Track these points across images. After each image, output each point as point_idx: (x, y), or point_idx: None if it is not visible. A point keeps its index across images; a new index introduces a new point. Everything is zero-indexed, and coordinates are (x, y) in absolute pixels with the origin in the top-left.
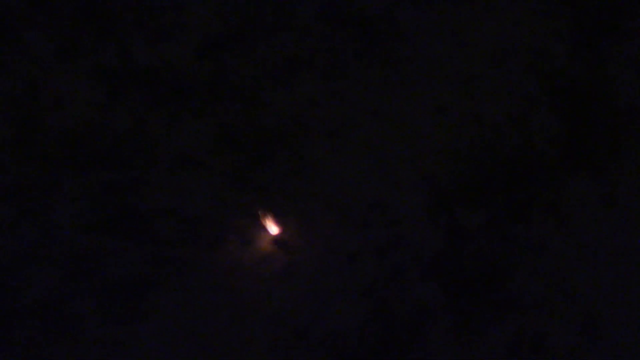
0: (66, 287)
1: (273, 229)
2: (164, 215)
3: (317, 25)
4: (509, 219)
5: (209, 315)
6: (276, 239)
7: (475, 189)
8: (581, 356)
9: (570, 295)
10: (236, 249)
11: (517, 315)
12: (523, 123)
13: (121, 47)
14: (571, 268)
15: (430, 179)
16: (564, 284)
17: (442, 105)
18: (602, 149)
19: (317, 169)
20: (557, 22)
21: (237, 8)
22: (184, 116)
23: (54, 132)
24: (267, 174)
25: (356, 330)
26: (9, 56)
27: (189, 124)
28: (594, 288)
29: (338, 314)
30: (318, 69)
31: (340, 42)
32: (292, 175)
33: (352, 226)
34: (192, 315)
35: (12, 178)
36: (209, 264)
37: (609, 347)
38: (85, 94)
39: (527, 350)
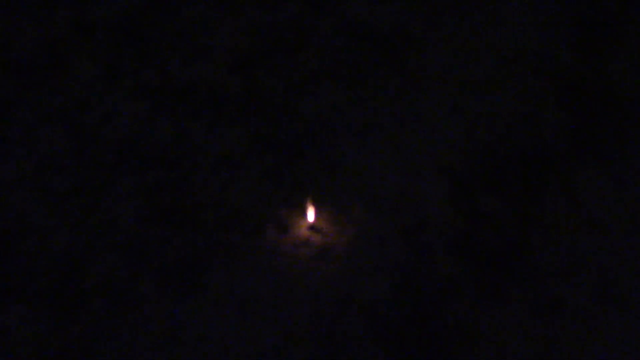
0: (128, 269)
1: (309, 216)
2: (210, 207)
3: (337, 41)
4: (525, 203)
5: (255, 292)
6: (311, 226)
7: (491, 177)
8: (596, 315)
9: (584, 265)
10: (276, 234)
11: (536, 283)
12: (533, 119)
13: (160, 68)
14: (584, 242)
15: (450, 170)
16: (578, 256)
17: (456, 105)
18: (607, 139)
19: (344, 165)
20: (561, 29)
21: (263, 29)
22: (221, 125)
23: (108, 141)
24: (299, 171)
25: (389, 300)
26: (61, 79)
27: (226, 131)
28: (605, 258)
29: (372, 287)
30: (340, 80)
31: (359, 55)
32: (322, 171)
33: (381, 213)
34: (240, 292)
35: (76, 179)
36: (253, 248)
37: (621, 306)
38: (131, 109)
39: (547, 311)
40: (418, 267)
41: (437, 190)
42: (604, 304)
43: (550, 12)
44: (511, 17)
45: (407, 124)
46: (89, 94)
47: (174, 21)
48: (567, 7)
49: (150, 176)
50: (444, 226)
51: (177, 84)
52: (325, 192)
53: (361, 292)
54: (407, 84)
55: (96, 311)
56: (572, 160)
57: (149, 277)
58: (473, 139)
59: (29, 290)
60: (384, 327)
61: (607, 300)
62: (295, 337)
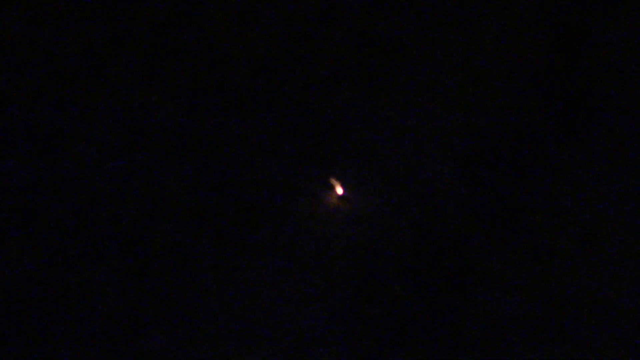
0: (187, 232)
1: (338, 189)
2: (248, 183)
3: (347, 47)
4: (517, 175)
5: (297, 249)
6: (340, 197)
7: (488, 154)
8: (579, 258)
9: (568, 220)
10: (309, 204)
11: (529, 234)
12: (520, 108)
13: (192, 71)
14: (567, 203)
15: (452, 150)
16: (564, 215)
17: (453, 99)
18: (581, 122)
19: (360, 149)
20: (539, 35)
21: (279, 38)
22: (250, 118)
23: (153, 131)
24: (322, 154)
25: (411, 251)
26: (104, 82)
27: (256, 122)
28: (585, 215)
29: (396, 241)
30: (352, 79)
31: (367, 59)
32: (342, 154)
33: (396, 185)
34: (284, 249)
35: (131, 162)
36: (290, 215)
37: (604, 253)
38: (170, 105)
39: (540, 255)
40: (432, 224)
41: (442, 166)
42: (585, 249)
43: (530, 20)
44: (495, 26)
45: (412, 115)
46: (131, 93)
47: (199, 32)
48: (544, 16)
49: (191, 158)
50: (450, 193)
51: (208, 85)
52: (349, 170)
53: (387, 245)
54: (411, 83)
55: (163, 267)
56: (553, 139)
57: (205, 237)
58: (470, 125)
59: (106, 252)
60: (409, 271)
61: (591, 246)
62: (335, 282)
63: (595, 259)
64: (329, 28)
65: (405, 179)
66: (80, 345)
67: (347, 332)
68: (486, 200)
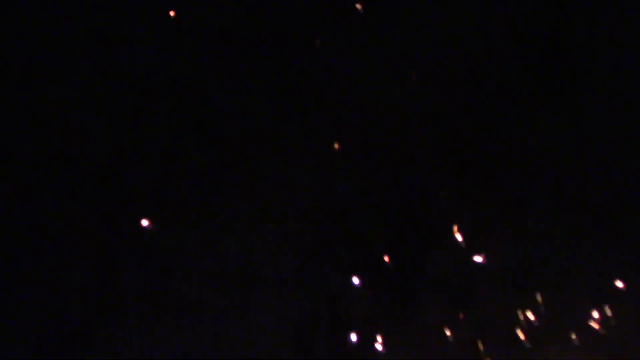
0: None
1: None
2: (244, 204)
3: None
4: (495, 130)
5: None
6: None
7: (468, 108)
8: (555, 213)
9: (543, 174)
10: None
11: (502, 188)
12: (503, 65)
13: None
14: (541, 160)
15: (431, 103)
16: (537, 168)
17: (436, 49)
18: (566, 85)
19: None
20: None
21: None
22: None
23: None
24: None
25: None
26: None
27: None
28: (558, 169)
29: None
30: None
31: None
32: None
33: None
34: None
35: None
36: None
37: (570, 206)
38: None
39: (515, 208)
40: (408, 173)
41: (422, 118)
42: (558, 203)
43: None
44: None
45: (397, 61)
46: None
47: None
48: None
49: (197, 190)
50: (428, 145)
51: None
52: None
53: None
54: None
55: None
56: (535, 98)
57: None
58: (452, 76)
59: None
60: (381, 217)
61: (560, 200)
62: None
63: (565, 214)
64: None
65: (383, 130)
66: None
67: (318, 274)
68: (463, 153)
